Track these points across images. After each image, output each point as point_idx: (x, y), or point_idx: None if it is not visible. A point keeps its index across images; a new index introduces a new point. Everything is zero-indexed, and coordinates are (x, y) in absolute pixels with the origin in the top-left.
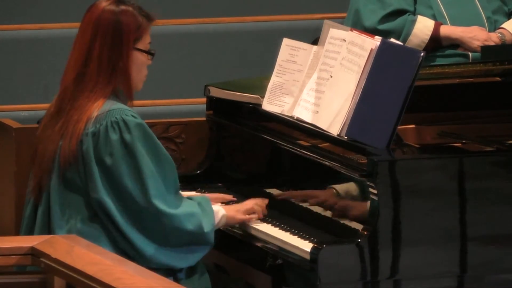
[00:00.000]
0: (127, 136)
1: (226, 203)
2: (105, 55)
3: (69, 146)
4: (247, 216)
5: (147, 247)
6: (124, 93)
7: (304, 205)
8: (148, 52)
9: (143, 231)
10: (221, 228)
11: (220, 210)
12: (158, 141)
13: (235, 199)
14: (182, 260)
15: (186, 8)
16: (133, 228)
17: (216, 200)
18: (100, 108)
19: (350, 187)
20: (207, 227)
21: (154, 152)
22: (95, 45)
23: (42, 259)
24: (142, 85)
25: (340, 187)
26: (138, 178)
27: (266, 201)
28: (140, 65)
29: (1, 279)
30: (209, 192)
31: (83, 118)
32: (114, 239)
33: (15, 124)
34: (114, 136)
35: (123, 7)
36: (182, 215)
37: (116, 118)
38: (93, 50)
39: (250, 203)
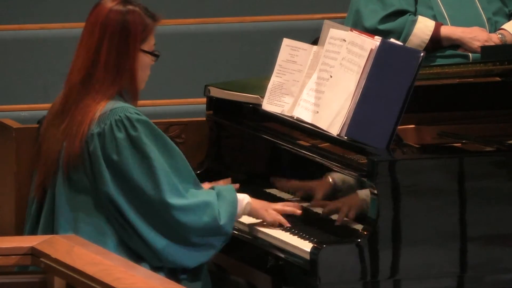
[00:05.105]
0: (133, 133)
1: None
2: (112, 57)
3: (73, 148)
4: (271, 219)
5: (158, 242)
6: (129, 93)
7: (304, 204)
8: (153, 54)
9: (154, 226)
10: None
11: (245, 198)
12: (165, 135)
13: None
14: (194, 258)
15: (186, 8)
16: (144, 222)
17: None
18: (103, 108)
19: (347, 177)
20: (224, 219)
21: (164, 145)
22: (103, 46)
23: (42, 259)
24: (144, 84)
25: (338, 176)
26: (150, 174)
27: (297, 211)
28: (144, 66)
29: (1, 279)
30: None
31: (86, 119)
32: (122, 238)
33: (15, 124)
34: (120, 135)
35: (130, 7)
36: (196, 205)
37: (119, 116)
38: (101, 51)
39: (279, 206)
